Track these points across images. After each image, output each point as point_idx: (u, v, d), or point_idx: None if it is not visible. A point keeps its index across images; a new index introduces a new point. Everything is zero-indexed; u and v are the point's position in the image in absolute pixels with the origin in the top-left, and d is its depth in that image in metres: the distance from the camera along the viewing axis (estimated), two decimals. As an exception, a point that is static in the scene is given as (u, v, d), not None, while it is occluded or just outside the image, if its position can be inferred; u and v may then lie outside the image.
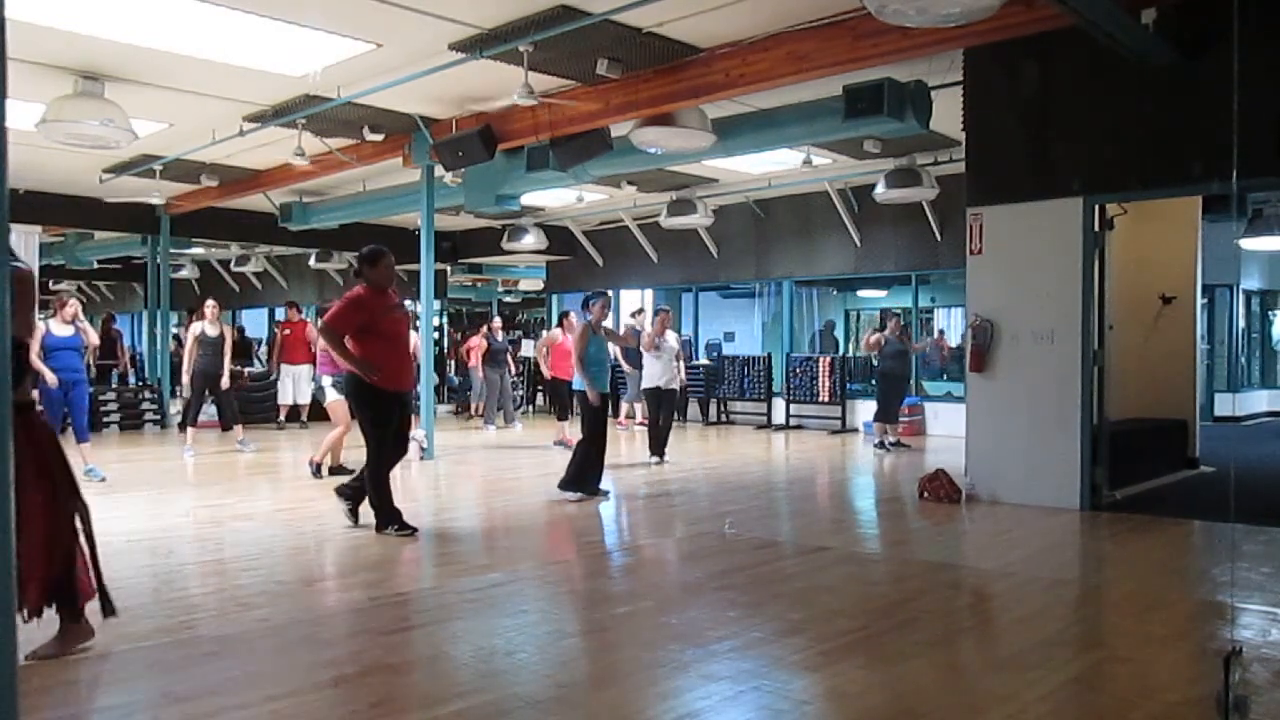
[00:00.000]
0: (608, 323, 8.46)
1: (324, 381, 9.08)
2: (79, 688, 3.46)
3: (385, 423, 6.19)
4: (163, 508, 7.40)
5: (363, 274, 6.25)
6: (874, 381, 12.23)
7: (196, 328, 10.94)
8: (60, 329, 8.53)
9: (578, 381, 7.99)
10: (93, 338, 9.01)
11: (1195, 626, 4.50)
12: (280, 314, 25.02)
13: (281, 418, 14.13)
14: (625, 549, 6.41)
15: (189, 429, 11.13)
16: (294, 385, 13.98)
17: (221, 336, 10.97)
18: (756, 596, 4.81)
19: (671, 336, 10.47)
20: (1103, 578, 5.66)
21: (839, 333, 18.64)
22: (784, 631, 4.16)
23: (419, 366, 11.78)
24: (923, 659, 3.82)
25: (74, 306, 8.65)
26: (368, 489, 6.27)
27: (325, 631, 4.18)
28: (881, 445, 11.31)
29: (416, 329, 11.99)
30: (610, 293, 8.75)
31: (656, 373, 10.24)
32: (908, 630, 4.21)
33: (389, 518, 6.22)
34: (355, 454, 10.36)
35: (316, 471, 8.91)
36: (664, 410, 10.31)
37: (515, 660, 3.89)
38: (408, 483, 8.99)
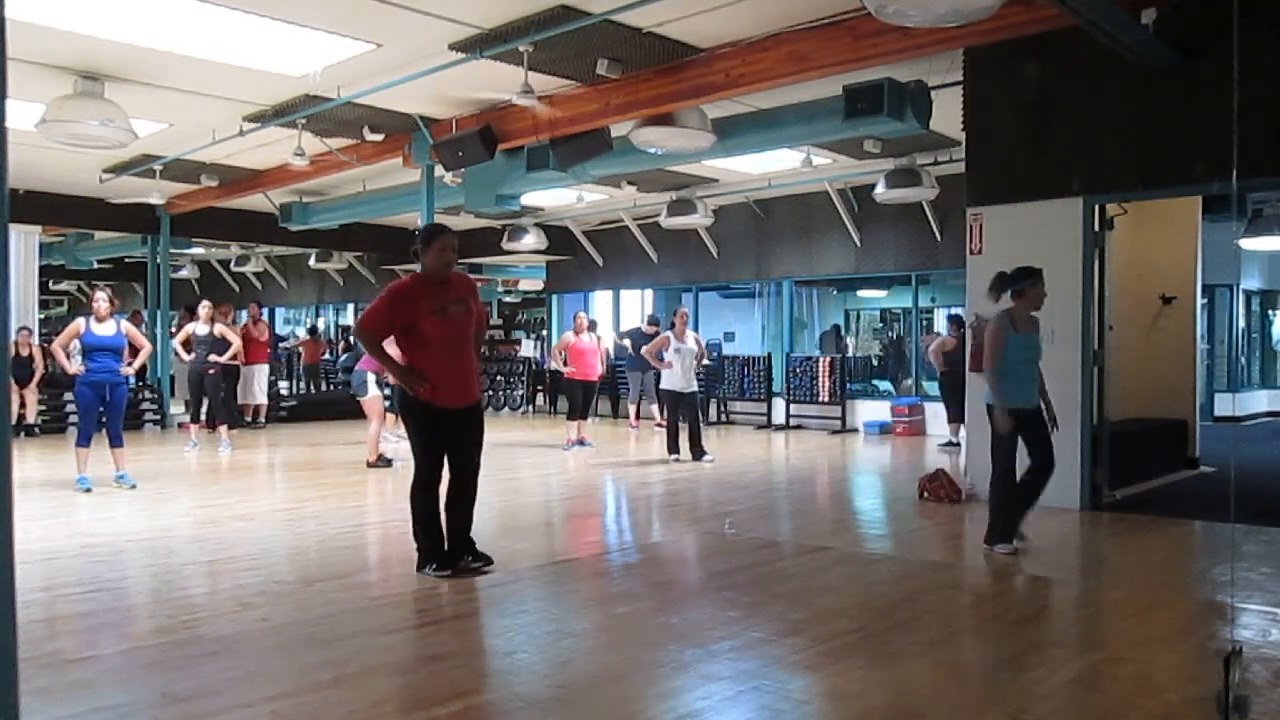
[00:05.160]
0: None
1: (367, 378, 9.45)
2: (79, 688, 3.45)
3: (429, 439, 5.10)
4: (163, 507, 7.39)
5: (419, 257, 5.06)
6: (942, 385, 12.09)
7: (190, 327, 11.30)
8: (100, 328, 7.98)
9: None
10: (139, 359, 8.36)
11: (1195, 626, 4.50)
12: (280, 314, 25.31)
13: (247, 417, 14.30)
14: (625, 549, 6.41)
15: (220, 426, 11.26)
16: (247, 384, 14.16)
17: (214, 335, 11.16)
18: (756, 596, 4.81)
19: (691, 337, 10.29)
20: (1103, 578, 5.66)
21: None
22: (784, 631, 4.16)
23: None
24: (923, 659, 3.82)
25: (106, 304, 8.01)
26: (414, 515, 5.24)
27: (325, 631, 4.18)
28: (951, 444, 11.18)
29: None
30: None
31: (675, 376, 10.09)
32: (908, 630, 4.20)
33: (425, 554, 5.24)
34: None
35: (383, 463, 9.43)
36: (686, 412, 10.12)
37: (515, 660, 3.89)
38: (401, 483, 8.97)
